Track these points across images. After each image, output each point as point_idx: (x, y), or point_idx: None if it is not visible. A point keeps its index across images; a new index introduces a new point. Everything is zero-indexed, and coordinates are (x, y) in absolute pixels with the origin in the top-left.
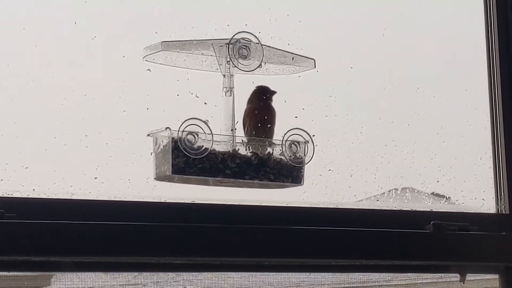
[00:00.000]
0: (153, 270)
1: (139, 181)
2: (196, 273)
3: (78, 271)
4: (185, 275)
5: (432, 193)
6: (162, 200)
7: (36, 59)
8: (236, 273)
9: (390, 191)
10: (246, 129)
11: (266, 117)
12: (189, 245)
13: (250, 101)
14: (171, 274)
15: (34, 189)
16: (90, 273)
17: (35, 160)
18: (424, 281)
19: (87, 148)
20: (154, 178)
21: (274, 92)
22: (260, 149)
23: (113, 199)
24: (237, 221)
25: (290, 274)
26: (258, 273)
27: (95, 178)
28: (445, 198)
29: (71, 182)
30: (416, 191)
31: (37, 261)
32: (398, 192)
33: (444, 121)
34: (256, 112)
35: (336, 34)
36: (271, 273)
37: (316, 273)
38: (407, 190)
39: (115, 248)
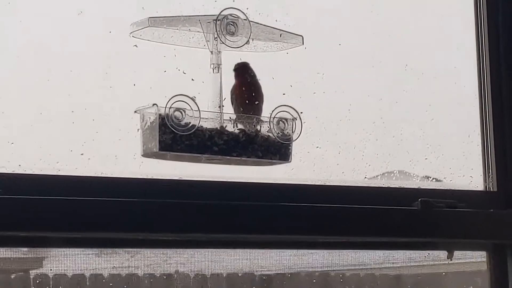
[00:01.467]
0: (139, 247)
1: (126, 157)
2: (188, 256)
3: (64, 247)
4: (177, 258)
5: (425, 176)
6: (149, 177)
7: (21, 35)
8: (226, 253)
9: (377, 176)
10: (233, 106)
11: (253, 94)
12: (176, 221)
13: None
14: (163, 257)
15: (20, 165)
16: (82, 256)
17: (21, 136)
18: (416, 264)
19: (74, 124)
20: (141, 155)
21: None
22: (247, 126)
23: (99, 175)
24: (225, 198)
25: (278, 256)
26: (244, 256)
27: (82, 154)
28: (431, 179)
29: (58, 158)
30: (404, 172)
31: (23, 236)
32: (386, 175)
33: (433, 99)
34: (243, 89)
35: (324, 11)
36: (259, 250)
37: (307, 254)
38: (395, 172)
39: (101, 224)
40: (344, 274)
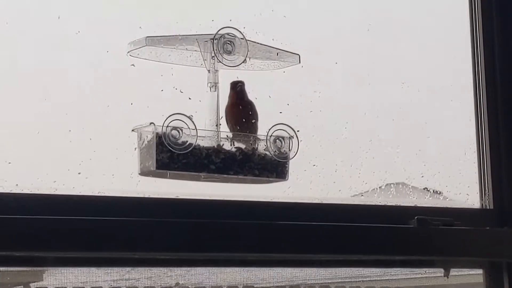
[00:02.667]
0: (136, 266)
1: (123, 176)
2: (188, 269)
3: (61, 266)
4: (177, 271)
5: (424, 188)
6: (146, 196)
7: (19, 53)
8: (225, 268)
9: (380, 187)
10: (229, 125)
11: (250, 113)
12: (173, 240)
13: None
14: (163, 270)
15: (17, 184)
16: (83, 268)
17: (18, 155)
18: (417, 276)
19: (71, 143)
20: (138, 173)
21: (241, 82)
22: (244, 145)
23: (97, 194)
24: (222, 217)
25: (278, 269)
26: (244, 268)
27: (79, 173)
28: (432, 192)
29: (55, 177)
30: (401, 184)
31: (20, 256)
32: (390, 188)
33: (429, 116)
34: (240, 107)
35: (320, 30)
36: (256, 268)
37: (307, 268)
38: (392, 185)
39: (98, 243)
40: (344, 287)
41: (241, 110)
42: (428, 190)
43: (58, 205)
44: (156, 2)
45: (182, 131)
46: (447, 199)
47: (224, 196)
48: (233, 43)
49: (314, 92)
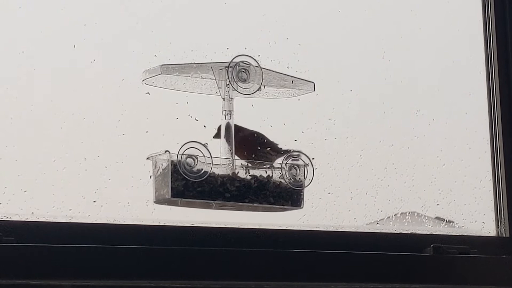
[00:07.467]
0: None
1: (138, 204)
2: None
3: None
4: None
5: (437, 218)
6: (161, 224)
7: (35, 83)
8: None
9: (395, 214)
10: (245, 153)
11: (265, 140)
12: (188, 268)
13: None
14: None
15: (33, 213)
16: None
17: (34, 184)
18: None
19: (86, 171)
20: (153, 202)
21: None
22: (259, 172)
23: (112, 222)
24: (237, 245)
25: None
26: None
27: (94, 201)
28: (445, 221)
29: (70, 205)
30: (416, 213)
31: (36, 284)
32: (399, 216)
33: (444, 144)
34: (255, 135)
35: (335, 57)
36: None
37: None
38: (407, 213)
39: (114, 272)
40: None
41: (249, 142)
42: (442, 219)
43: (74, 233)
44: (171, 30)
45: (197, 159)
46: (462, 227)
47: (240, 224)
48: (248, 71)
49: (329, 120)
